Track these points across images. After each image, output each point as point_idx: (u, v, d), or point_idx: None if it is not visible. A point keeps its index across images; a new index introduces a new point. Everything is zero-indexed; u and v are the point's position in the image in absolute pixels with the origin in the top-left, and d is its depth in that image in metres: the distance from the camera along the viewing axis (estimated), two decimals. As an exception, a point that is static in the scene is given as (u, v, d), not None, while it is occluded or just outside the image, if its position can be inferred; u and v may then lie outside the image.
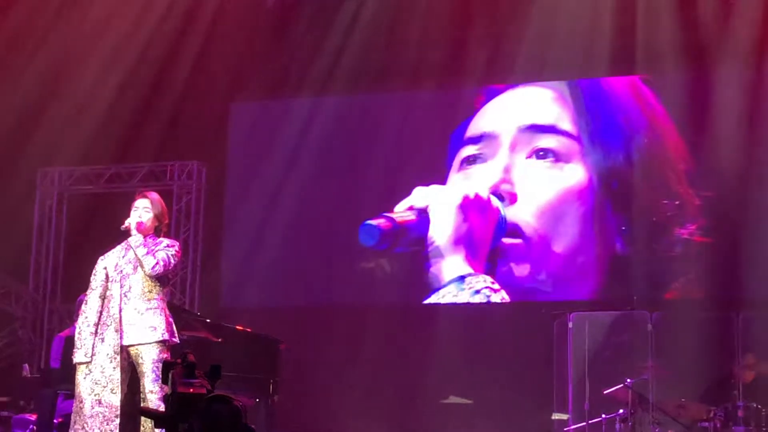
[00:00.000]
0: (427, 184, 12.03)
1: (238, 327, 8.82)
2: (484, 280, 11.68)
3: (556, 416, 10.48)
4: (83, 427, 6.36)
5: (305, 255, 12.70)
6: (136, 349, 6.43)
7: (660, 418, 9.63)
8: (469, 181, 11.98)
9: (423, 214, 11.83)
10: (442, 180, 12.20)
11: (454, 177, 12.16)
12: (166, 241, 6.71)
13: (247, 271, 12.77)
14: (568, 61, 11.76)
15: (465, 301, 11.69)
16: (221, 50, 12.67)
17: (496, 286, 11.68)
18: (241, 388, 7.94)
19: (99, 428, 6.33)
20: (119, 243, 6.70)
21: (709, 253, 11.22)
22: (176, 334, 6.64)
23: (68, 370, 6.82)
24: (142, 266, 6.52)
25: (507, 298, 11.71)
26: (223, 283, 13.07)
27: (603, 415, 9.71)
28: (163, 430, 5.22)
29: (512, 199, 11.79)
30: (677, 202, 11.45)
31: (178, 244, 6.80)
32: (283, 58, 12.81)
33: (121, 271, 6.55)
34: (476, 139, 12.18)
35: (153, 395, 6.35)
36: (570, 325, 10.40)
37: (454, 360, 11.54)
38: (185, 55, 12.61)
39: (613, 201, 11.69)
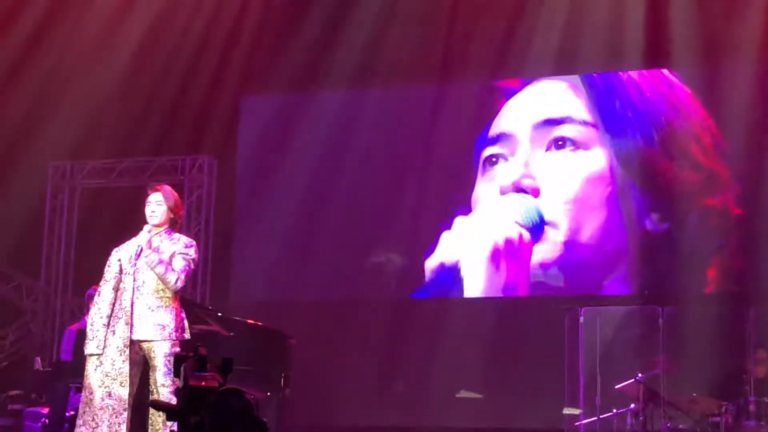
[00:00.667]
0: (445, 184, 12.10)
1: (249, 321, 8.82)
2: None
3: (567, 411, 10.47)
4: (93, 419, 6.35)
5: (316, 249, 12.69)
6: (149, 344, 6.42)
7: (671, 412, 9.62)
8: (491, 183, 11.98)
9: (455, 272, 11.82)
10: (460, 178, 12.20)
11: (480, 181, 12.15)
12: (183, 240, 6.59)
13: (258, 266, 12.77)
14: (585, 54, 11.73)
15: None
16: (232, 44, 12.67)
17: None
18: (252, 382, 7.93)
19: (108, 420, 6.31)
20: (132, 237, 6.60)
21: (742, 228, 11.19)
22: (187, 331, 6.54)
23: (80, 363, 6.79)
24: (165, 283, 6.47)
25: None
26: (233, 277, 13.08)
27: (614, 410, 9.73)
28: (175, 423, 5.22)
29: (535, 193, 11.79)
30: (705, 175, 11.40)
31: (195, 244, 6.66)
32: (295, 52, 12.79)
33: (135, 264, 6.51)
34: (495, 139, 12.19)
35: (165, 389, 6.33)
36: (581, 319, 10.39)
37: (465, 354, 11.54)
38: (196, 50, 12.62)
39: (638, 181, 11.63)
